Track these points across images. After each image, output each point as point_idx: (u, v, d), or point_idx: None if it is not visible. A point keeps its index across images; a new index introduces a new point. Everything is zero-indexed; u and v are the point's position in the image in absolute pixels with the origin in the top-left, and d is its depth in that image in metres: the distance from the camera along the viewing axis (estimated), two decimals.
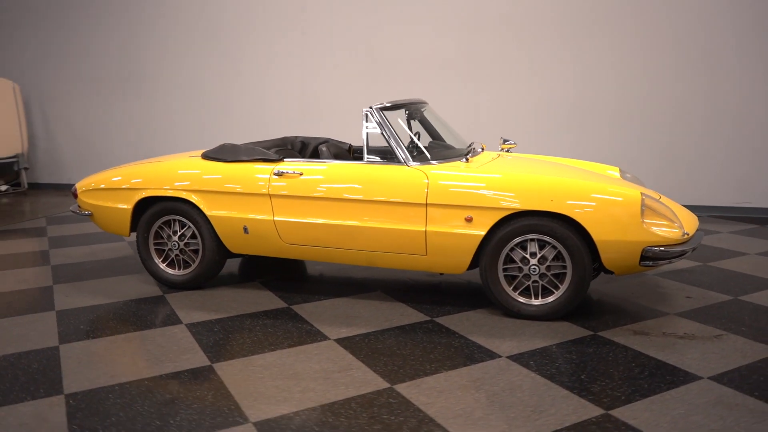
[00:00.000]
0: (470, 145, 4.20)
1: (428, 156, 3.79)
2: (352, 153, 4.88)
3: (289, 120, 7.53)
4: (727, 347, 3.18)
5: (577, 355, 3.11)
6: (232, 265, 4.74)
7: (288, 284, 4.29)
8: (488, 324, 3.52)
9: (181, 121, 8.05)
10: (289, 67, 7.52)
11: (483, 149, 4.53)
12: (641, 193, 3.41)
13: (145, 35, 8.02)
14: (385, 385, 2.82)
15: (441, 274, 4.31)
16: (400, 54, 7.09)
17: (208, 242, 4.06)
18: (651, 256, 3.37)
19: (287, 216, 3.85)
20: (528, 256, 3.50)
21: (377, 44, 7.17)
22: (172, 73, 7.99)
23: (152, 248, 4.21)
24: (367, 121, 3.84)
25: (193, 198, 4.02)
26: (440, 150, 4.22)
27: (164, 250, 4.20)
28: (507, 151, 4.63)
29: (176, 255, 4.17)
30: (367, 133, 3.84)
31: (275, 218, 3.86)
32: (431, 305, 3.83)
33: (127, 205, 4.19)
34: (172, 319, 3.66)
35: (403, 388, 2.78)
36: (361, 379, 2.88)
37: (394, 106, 4.08)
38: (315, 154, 4.72)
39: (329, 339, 3.34)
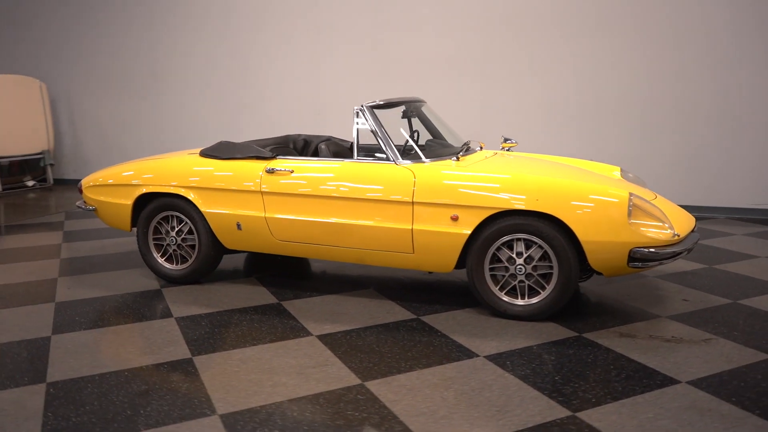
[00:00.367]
0: (465, 144, 4.18)
1: (420, 154, 3.79)
2: (353, 151, 4.89)
3: (303, 119, 7.60)
4: (714, 352, 3.11)
5: (557, 356, 3.07)
6: (235, 261, 4.82)
7: (284, 281, 4.34)
8: (473, 323, 3.50)
9: (203, 118, 8.19)
10: (305, 66, 7.58)
11: (481, 147, 4.51)
12: (629, 193, 3.35)
13: (170, 36, 8.18)
14: (356, 381, 2.84)
15: (430, 273, 4.30)
16: (409, 54, 7.09)
17: (203, 238, 4.13)
18: (639, 258, 3.31)
19: (278, 213, 3.89)
20: (514, 255, 3.47)
21: (386, 43, 7.18)
22: (194, 72, 8.14)
23: (151, 243, 4.30)
24: (357, 119, 3.86)
25: (190, 194, 4.10)
26: (437, 148, 4.22)
27: (163, 245, 4.29)
28: (508, 150, 4.61)
29: (174, 250, 4.25)
30: (358, 131, 3.86)
31: (266, 215, 3.91)
32: (420, 304, 3.83)
33: (127, 201, 4.29)
34: (164, 313, 3.74)
35: (373, 385, 2.79)
36: (334, 375, 2.90)
37: (388, 105, 4.09)
38: (317, 152, 4.76)
39: (312, 335, 3.37)
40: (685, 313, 3.64)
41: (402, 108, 4.28)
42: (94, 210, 4.52)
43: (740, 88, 6.07)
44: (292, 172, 3.88)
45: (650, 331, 3.38)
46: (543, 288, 3.48)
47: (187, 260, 4.23)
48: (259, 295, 4.03)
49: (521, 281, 3.50)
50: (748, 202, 6.22)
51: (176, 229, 4.22)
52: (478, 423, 2.47)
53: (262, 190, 3.91)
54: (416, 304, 3.83)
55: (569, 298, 3.46)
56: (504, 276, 3.52)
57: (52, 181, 8.79)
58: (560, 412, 2.54)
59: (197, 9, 8.00)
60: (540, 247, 3.43)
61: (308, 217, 3.82)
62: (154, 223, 4.27)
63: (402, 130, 4.05)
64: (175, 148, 7.42)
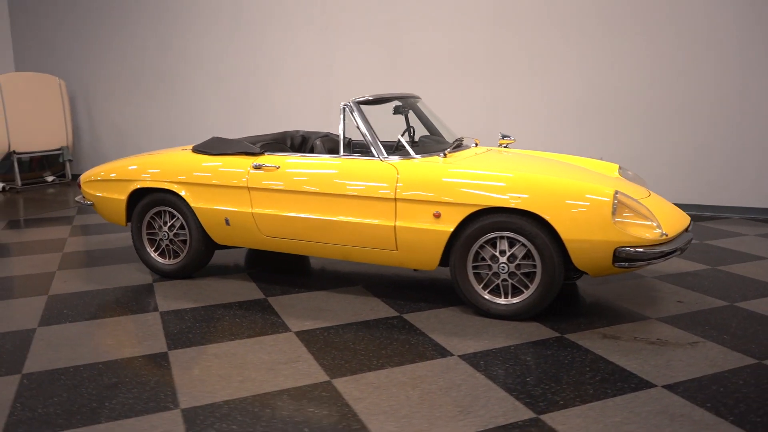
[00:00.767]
0: (456, 140, 4.12)
1: (410, 150, 3.75)
2: (351, 147, 4.88)
3: (312, 116, 7.61)
4: (698, 355, 3.00)
5: (533, 357, 3.01)
6: (231, 257, 4.84)
7: (275, 276, 4.34)
8: (454, 322, 3.45)
9: (214, 115, 8.26)
10: (314, 64, 7.59)
11: (476, 144, 4.45)
12: (615, 191, 3.26)
13: (182, 35, 8.27)
14: (324, 378, 2.82)
15: (416, 270, 4.26)
16: (415, 52, 7.03)
17: (194, 233, 4.16)
18: (625, 257, 3.22)
19: (265, 209, 3.89)
20: (497, 254, 3.41)
21: (396, 40, 7.13)
22: (208, 71, 8.21)
23: (145, 238, 4.35)
24: (343, 115, 3.84)
25: (181, 190, 4.13)
26: (430, 144, 4.18)
27: (156, 240, 4.33)
28: (506, 147, 4.54)
29: (166, 245, 4.29)
30: (344, 127, 3.83)
31: (253, 211, 3.91)
32: (406, 301, 3.79)
33: (122, 196, 4.34)
34: (151, 307, 3.77)
35: (340, 383, 2.77)
36: (303, 372, 2.88)
37: (378, 100, 4.05)
38: (314, 149, 4.75)
39: (290, 331, 3.37)
40: (676, 315, 3.53)
41: (394, 104, 4.25)
42: (92, 205, 4.59)
43: (744, 87, 5.86)
44: (278, 168, 3.87)
45: (636, 332, 3.28)
46: (527, 287, 3.41)
47: (179, 255, 4.27)
48: (248, 291, 4.04)
49: (504, 280, 3.43)
50: (761, 202, 6.01)
51: (168, 224, 4.25)
52: (438, 423, 2.43)
53: (249, 185, 3.91)
54: (401, 301, 3.79)
55: (553, 298, 3.39)
56: (488, 274, 3.46)
57: (70, 177, 8.97)
58: (524, 414, 2.48)
59: (208, 9, 8.06)
60: (523, 245, 3.36)
61: (293, 213, 3.81)
62: (147, 218, 4.31)
63: (391, 127, 4.01)
64: (186, 143, 7.50)
